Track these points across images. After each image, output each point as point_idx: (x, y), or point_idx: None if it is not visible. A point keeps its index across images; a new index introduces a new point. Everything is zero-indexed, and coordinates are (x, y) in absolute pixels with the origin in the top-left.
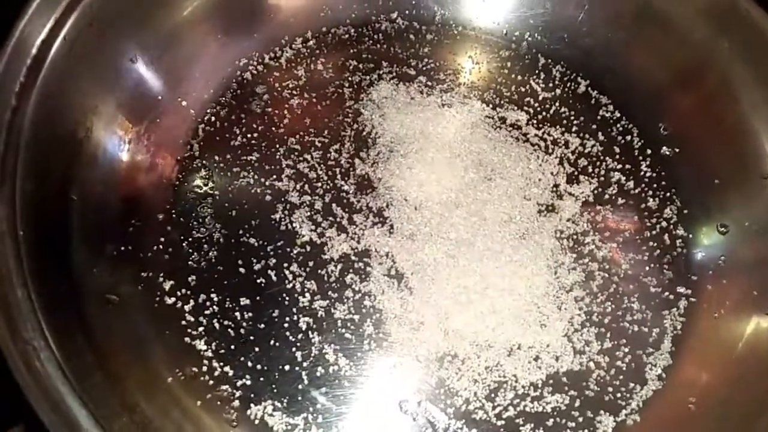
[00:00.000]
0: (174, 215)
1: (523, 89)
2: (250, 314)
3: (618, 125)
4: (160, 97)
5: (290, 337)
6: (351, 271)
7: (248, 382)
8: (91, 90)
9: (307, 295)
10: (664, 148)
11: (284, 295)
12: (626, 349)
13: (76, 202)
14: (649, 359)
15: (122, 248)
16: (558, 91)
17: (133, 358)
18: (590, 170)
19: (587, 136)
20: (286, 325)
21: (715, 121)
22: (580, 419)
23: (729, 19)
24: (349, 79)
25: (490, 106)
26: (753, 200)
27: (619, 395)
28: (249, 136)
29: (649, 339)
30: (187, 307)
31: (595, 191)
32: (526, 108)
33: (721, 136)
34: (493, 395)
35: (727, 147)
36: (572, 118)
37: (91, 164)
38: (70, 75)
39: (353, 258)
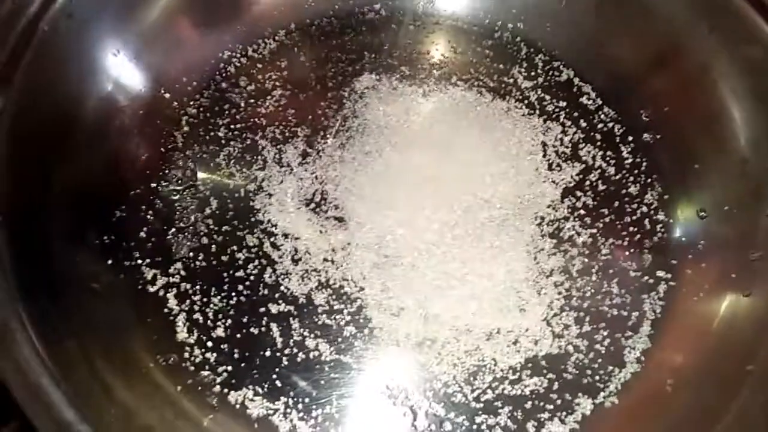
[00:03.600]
0: (157, 205)
1: (505, 78)
2: (232, 302)
3: (600, 112)
4: (142, 89)
5: (271, 324)
6: (332, 258)
7: (229, 368)
8: (73, 81)
9: (287, 282)
10: (645, 134)
11: (265, 283)
12: (605, 333)
13: (57, 191)
14: (628, 342)
15: (105, 238)
16: (540, 80)
17: (113, 344)
18: (571, 157)
19: (569, 123)
20: (267, 312)
21: (695, 107)
22: (559, 402)
23: (709, 4)
24: (332, 70)
25: (472, 94)
26: (732, 184)
27: (597, 378)
28: (232, 127)
29: (628, 323)
30: (169, 296)
31: (576, 178)
32: (507, 97)
33: (701, 121)
34: (471, 379)
35: (707, 132)
36: (554, 106)
37: (74, 155)
38: (52, 66)
39: (334, 245)
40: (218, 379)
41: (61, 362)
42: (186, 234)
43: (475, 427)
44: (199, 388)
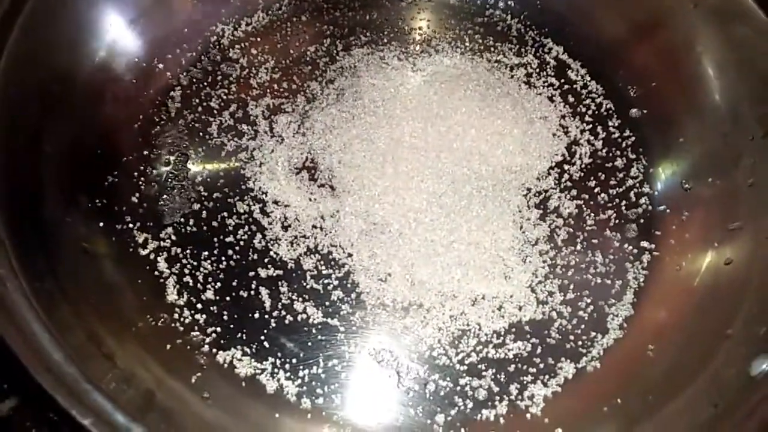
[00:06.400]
0: (149, 172)
1: (495, 54)
2: (222, 266)
3: (589, 88)
4: (136, 58)
5: (260, 288)
6: (321, 225)
7: (218, 329)
8: (68, 47)
9: (277, 248)
10: (633, 109)
11: (255, 248)
12: (588, 300)
13: (50, 155)
14: (611, 309)
15: (97, 201)
16: (530, 56)
17: (103, 302)
18: (560, 131)
19: (558, 99)
20: (256, 276)
21: (680, 82)
22: (542, 365)
23: None
24: (325, 44)
25: (462, 70)
26: (714, 157)
27: (580, 343)
28: (224, 98)
29: (611, 291)
30: (160, 259)
31: (564, 151)
32: (497, 72)
33: (686, 95)
34: (456, 342)
35: (691, 107)
36: (544, 81)
37: (67, 120)
38: (46, 30)
39: (323, 213)
40: (207, 340)
41: (60, 326)
42: (177, 200)
43: (458, 388)
44: (188, 347)
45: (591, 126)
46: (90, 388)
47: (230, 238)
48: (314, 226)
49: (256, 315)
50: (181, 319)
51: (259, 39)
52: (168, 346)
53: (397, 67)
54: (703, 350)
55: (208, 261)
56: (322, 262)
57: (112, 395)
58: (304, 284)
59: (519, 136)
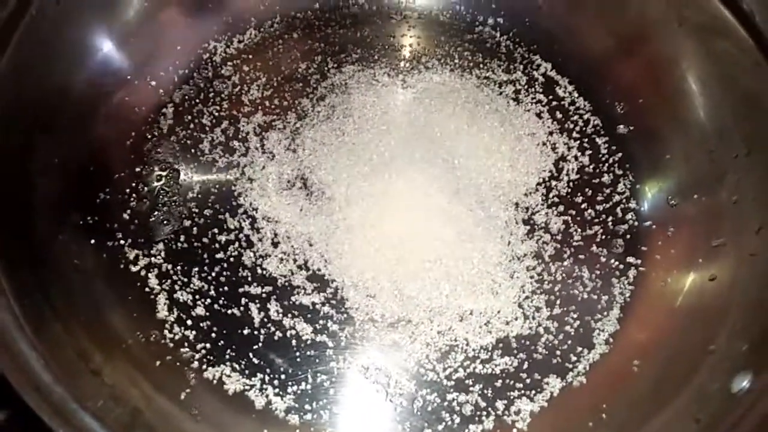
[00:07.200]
0: (141, 189)
1: (484, 71)
2: (212, 283)
3: (576, 105)
4: (129, 77)
5: (250, 304)
6: (310, 241)
7: (207, 345)
8: (60, 66)
9: (267, 264)
10: (620, 126)
11: (245, 264)
12: (575, 315)
13: (41, 171)
14: (597, 325)
15: (88, 218)
16: (519, 74)
17: (93, 319)
18: (547, 148)
19: (546, 115)
20: (246, 293)
21: (666, 99)
22: (528, 381)
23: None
24: (316, 61)
25: (452, 87)
26: (700, 174)
27: (566, 358)
28: (216, 115)
29: (597, 306)
30: (150, 276)
31: (551, 167)
32: (486, 89)
33: (672, 112)
34: (444, 357)
35: (677, 123)
36: (532, 98)
37: (59, 137)
38: (39, 50)
39: (313, 229)
40: (196, 356)
41: (49, 344)
42: (168, 216)
43: (446, 404)
44: (178, 364)
45: (578, 142)
46: (77, 407)
47: (220, 255)
48: (304, 243)
49: (246, 331)
50: (172, 336)
51: (251, 56)
52: (157, 363)
53: (387, 84)
54: (687, 366)
55: (198, 277)
56: (311, 278)
57: (99, 414)
58: (294, 300)
59: (507, 152)
